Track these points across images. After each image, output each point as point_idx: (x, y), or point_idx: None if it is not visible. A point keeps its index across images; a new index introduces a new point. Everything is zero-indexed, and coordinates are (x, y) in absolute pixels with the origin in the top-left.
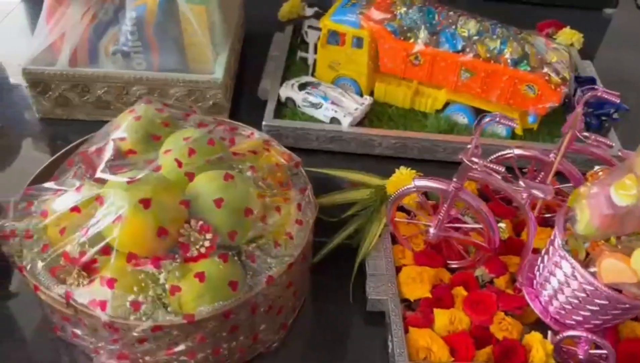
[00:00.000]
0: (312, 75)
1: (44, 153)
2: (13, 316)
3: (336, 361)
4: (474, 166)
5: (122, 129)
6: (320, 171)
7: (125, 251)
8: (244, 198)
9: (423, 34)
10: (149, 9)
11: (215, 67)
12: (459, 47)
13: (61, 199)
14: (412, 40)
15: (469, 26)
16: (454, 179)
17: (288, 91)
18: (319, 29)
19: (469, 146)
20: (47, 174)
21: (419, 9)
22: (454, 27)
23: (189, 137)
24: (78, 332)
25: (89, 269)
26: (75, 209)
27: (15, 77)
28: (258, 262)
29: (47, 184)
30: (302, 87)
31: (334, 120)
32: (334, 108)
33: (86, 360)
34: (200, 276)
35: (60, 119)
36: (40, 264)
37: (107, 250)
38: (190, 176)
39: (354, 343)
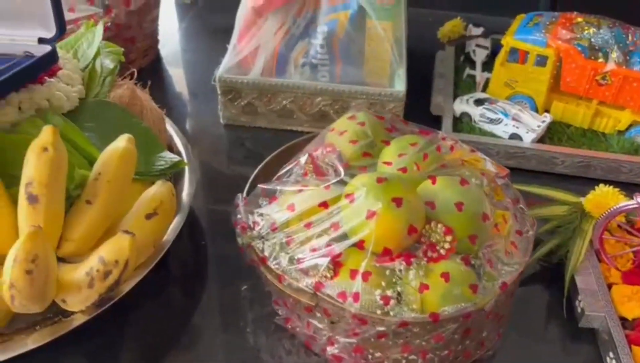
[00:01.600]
0: (483, 91)
1: (232, 153)
2: (239, 306)
3: None
4: None
5: (349, 134)
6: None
7: (378, 248)
8: (481, 203)
9: (615, 54)
10: (340, 24)
11: (392, 81)
12: None
13: (308, 195)
14: (601, 60)
15: None
16: None
17: (463, 106)
18: (487, 48)
19: None
20: (262, 173)
21: (609, 29)
22: None
23: (415, 143)
24: (315, 323)
25: (332, 263)
26: (323, 204)
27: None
28: (495, 268)
29: (277, 182)
30: (478, 102)
31: (514, 136)
32: (515, 124)
33: (306, 352)
34: (446, 276)
35: (242, 126)
36: (284, 256)
37: (354, 245)
38: (433, 179)
39: (566, 356)
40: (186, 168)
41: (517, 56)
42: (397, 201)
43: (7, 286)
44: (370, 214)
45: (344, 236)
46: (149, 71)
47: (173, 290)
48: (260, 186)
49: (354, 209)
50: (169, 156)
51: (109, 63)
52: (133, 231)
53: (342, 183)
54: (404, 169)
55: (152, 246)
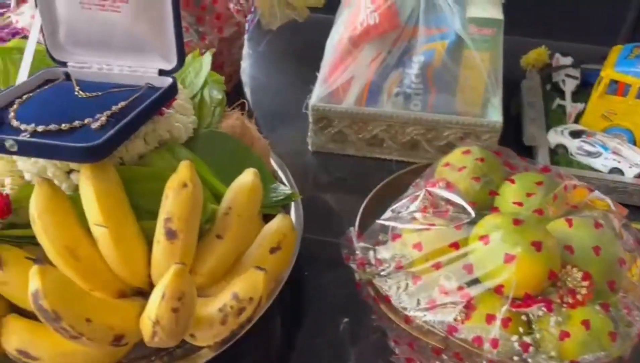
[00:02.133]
0: (575, 122)
1: (320, 180)
2: (354, 340)
3: None
4: None
5: (469, 170)
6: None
7: (519, 293)
8: (616, 247)
9: None
10: (437, 54)
11: (484, 110)
12: None
13: (435, 234)
14: None
15: None
16: None
17: (559, 137)
18: (576, 78)
19: None
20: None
21: None
22: None
23: (541, 181)
24: None
25: (464, 306)
26: (454, 245)
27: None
28: (632, 314)
29: (395, 218)
30: (574, 134)
31: (614, 170)
32: (616, 158)
33: None
34: (586, 324)
35: (330, 153)
36: (410, 296)
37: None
38: (570, 222)
39: None
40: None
41: (616, 88)
42: (537, 245)
43: (151, 323)
44: (509, 258)
45: (475, 279)
46: (232, 97)
47: (275, 320)
48: (378, 221)
49: (488, 251)
50: (280, 188)
51: (216, 93)
52: (257, 263)
53: (471, 222)
54: (539, 211)
55: (275, 281)
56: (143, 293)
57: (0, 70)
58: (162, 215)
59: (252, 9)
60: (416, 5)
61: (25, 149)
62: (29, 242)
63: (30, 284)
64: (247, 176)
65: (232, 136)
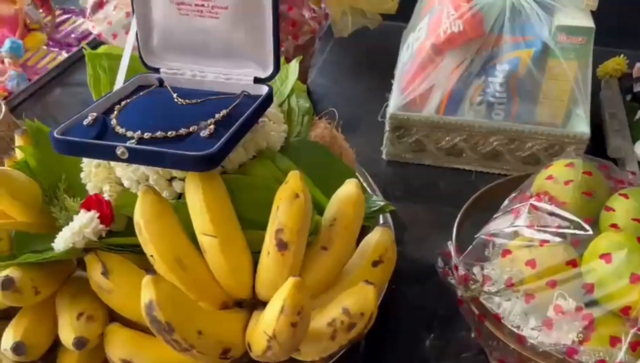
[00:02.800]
0: None
1: (395, 190)
2: (446, 357)
3: None
4: None
5: (578, 184)
6: None
7: None
8: None
9: None
10: (522, 62)
11: (567, 121)
12: None
13: (549, 251)
14: None
15: None
16: None
17: None
18: None
19: None
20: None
21: None
22: None
23: None
24: None
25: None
26: (572, 262)
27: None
28: None
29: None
30: None
31: None
32: None
33: None
34: None
35: (406, 162)
36: (522, 315)
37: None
38: None
39: None
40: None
41: None
42: None
43: (267, 337)
44: (636, 279)
45: (593, 299)
46: None
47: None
48: (483, 236)
49: (611, 271)
50: (373, 199)
51: (303, 101)
52: (361, 279)
53: (586, 239)
54: None
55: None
56: (240, 303)
57: (90, 75)
58: (273, 226)
59: (326, 16)
60: (501, 12)
61: (136, 157)
62: (129, 250)
63: (143, 294)
64: (351, 187)
65: (322, 145)
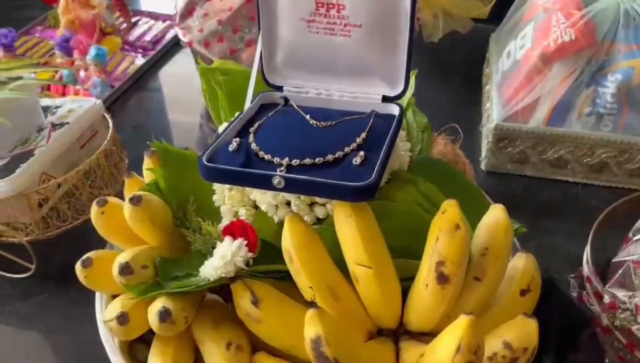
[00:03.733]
0: None
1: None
2: None
3: None
4: None
5: None
6: None
7: None
8: None
9: None
10: (636, 72)
11: None
12: None
13: None
14: None
15: None
16: None
17: None
18: None
19: None
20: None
21: None
22: None
23: None
24: None
25: None
26: None
27: None
28: None
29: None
30: None
31: None
32: None
33: None
34: None
35: (507, 173)
36: None
37: None
38: None
39: None
40: None
41: None
42: None
43: None
44: None
45: None
46: None
47: None
48: (627, 260)
49: None
50: None
51: (420, 117)
52: (509, 309)
53: None
54: None
55: None
56: (380, 331)
57: (205, 90)
58: (432, 258)
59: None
60: (614, 20)
61: (292, 186)
62: (270, 276)
63: (309, 329)
64: (498, 213)
65: (447, 163)
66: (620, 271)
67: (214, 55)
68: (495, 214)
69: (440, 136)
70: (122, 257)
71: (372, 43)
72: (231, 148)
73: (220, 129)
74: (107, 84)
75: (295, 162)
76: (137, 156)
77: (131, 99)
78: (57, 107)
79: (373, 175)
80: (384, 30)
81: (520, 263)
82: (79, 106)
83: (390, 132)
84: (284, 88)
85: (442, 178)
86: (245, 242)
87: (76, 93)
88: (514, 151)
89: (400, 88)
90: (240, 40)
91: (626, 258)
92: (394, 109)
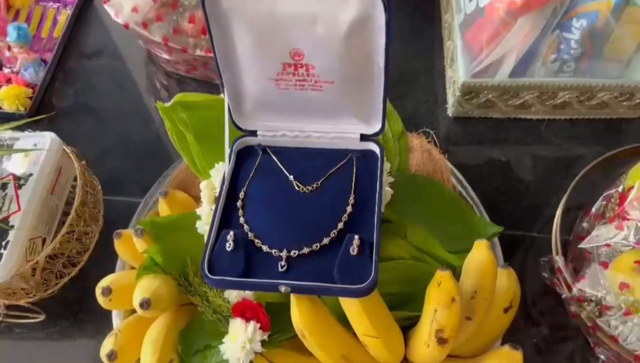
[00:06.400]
0: None
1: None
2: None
3: None
4: None
5: None
6: None
7: None
8: None
9: None
10: (601, 15)
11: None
12: None
13: None
14: None
15: None
16: None
17: None
18: None
19: None
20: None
21: None
22: None
23: None
24: None
25: None
26: None
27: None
28: None
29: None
30: None
31: None
32: None
33: None
34: None
35: (472, 117)
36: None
37: None
38: None
39: None
40: None
41: None
42: None
43: None
44: None
45: None
46: None
47: None
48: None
49: None
50: (481, 224)
51: (393, 122)
52: (493, 326)
53: None
54: None
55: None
56: None
57: (170, 130)
58: (432, 325)
59: None
60: None
61: (299, 291)
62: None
63: None
64: (482, 253)
65: (426, 175)
66: (588, 272)
67: (156, 35)
68: (480, 255)
69: (413, 139)
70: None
71: (346, 94)
72: (228, 247)
73: (202, 186)
74: (37, 62)
75: (294, 253)
76: (100, 150)
77: (74, 72)
78: (7, 146)
79: (372, 271)
80: (358, 81)
81: (504, 282)
82: (33, 144)
83: (378, 192)
84: (258, 132)
85: (425, 196)
86: (259, 325)
87: (7, 80)
88: (481, 101)
89: (378, 126)
90: (181, 16)
91: (590, 247)
92: (373, 147)
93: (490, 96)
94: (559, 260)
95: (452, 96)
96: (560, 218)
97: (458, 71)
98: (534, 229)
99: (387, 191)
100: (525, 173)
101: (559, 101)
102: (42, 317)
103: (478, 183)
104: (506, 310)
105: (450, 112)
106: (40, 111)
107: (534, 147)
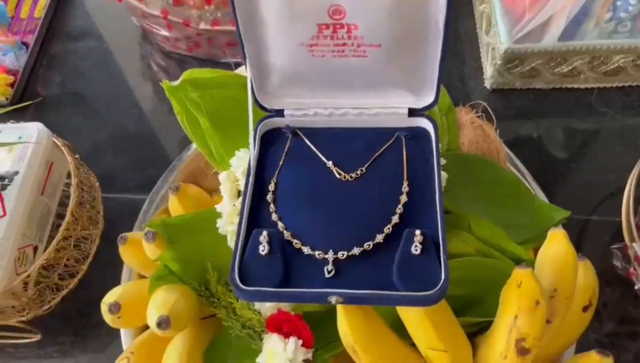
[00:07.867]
0: None
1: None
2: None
3: None
4: None
5: None
6: None
7: None
8: None
9: None
10: None
11: None
12: None
13: None
14: None
15: None
16: None
17: None
18: None
19: None
20: None
21: None
22: None
23: None
24: None
25: None
26: None
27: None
28: None
29: None
30: None
31: None
32: None
33: None
34: None
35: (511, 88)
36: None
37: None
38: None
39: None
40: None
41: None
42: None
43: None
44: None
45: None
46: None
47: None
48: None
49: None
50: (545, 209)
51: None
52: (571, 327)
53: None
54: None
55: None
56: None
57: (180, 112)
58: (512, 334)
59: None
60: None
61: (354, 301)
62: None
63: None
64: (560, 245)
65: (481, 155)
66: None
67: (154, 8)
68: (558, 249)
69: (463, 114)
70: None
71: (394, 60)
72: (262, 250)
73: (222, 178)
74: (18, 45)
75: (342, 254)
76: (93, 142)
77: (56, 58)
78: None
79: (442, 274)
80: (410, 44)
81: (582, 278)
82: (18, 137)
83: (436, 181)
84: (285, 112)
85: (481, 179)
86: (300, 342)
87: None
88: (525, 70)
89: (431, 98)
90: None
91: None
92: (425, 124)
93: (534, 63)
94: (637, 248)
95: (490, 65)
96: (632, 199)
97: (499, 37)
98: (589, 212)
99: (443, 174)
100: (575, 149)
101: (612, 67)
102: (37, 337)
103: (523, 162)
104: (585, 309)
105: (488, 83)
106: (24, 101)
107: (585, 120)
